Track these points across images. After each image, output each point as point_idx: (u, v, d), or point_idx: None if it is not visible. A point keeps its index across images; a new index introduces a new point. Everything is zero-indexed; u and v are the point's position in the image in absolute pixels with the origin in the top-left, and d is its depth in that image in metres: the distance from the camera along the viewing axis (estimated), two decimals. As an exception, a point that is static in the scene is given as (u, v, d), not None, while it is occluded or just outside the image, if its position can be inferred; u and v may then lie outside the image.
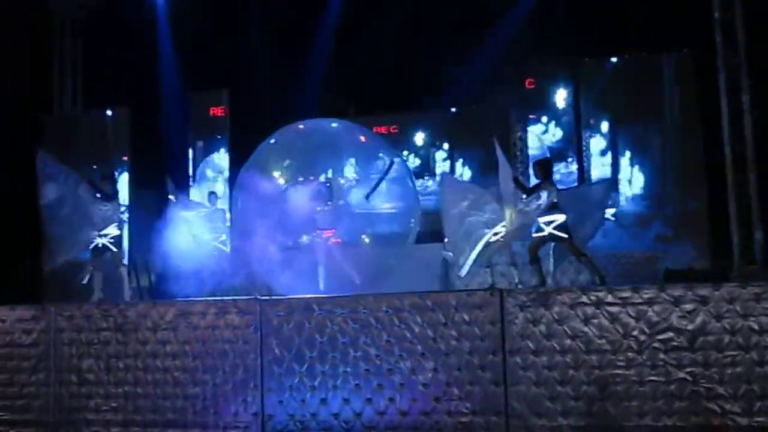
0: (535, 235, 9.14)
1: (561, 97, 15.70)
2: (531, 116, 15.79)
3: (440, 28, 15.45)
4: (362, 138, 11.59)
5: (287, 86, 15.90)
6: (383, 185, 10.86)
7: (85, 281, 10.39)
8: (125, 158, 16.12)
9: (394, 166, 10.83)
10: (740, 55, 13.06)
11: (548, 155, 14.97)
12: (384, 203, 11.01)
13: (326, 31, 16.46)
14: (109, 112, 16.19)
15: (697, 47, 14.19)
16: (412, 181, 11.40)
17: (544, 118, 15.65)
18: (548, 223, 8.97)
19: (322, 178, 10.77)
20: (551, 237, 9.05)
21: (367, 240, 10.71)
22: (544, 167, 9.26)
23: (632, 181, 16.28)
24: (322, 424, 7.37)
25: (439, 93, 15.83)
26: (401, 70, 15.36)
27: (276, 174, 10.71)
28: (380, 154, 11.19)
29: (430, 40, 15.28)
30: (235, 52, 15.77)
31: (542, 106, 15.84)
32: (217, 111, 16.52)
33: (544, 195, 8.98)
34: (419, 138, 17.06)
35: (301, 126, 11.23)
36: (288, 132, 11.16)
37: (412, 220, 11.04)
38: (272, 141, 11.14)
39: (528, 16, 15.36)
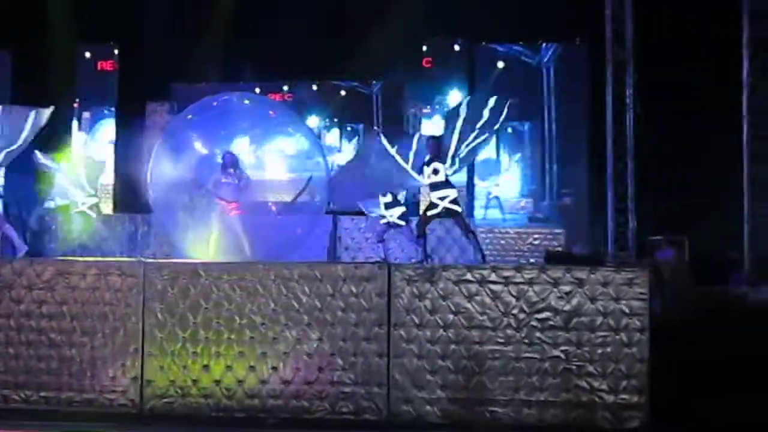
0: (430, 212, 9.33)
1: (455, 95, 15.94)
2: (425, 110, 16.06)
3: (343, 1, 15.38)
4: (271, 113, 11.75)
5: (182, 47, 15.48)
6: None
7: None
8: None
9: (313, 178, 10.94)
10: (627, 49, 13.61)
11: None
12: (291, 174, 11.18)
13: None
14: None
15: (588, 38, 14.68)
16: (322, 153, 11.50)
17: (437, 117, 15.92)
18: (442, 198, 9.18)
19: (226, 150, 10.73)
20: (446, 212, 9.24)
21: (274, 210, 10.78)
22: (438, 143, 9.41)
23: (512, 168, 16.84)
24: (203, 391, 7.29)
25: (335, 65, 15.79)
26: (300, 39, 15.22)
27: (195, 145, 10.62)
28: (289, 130, 11.29)
29: (332, 11, 15.20)
30: (128, 7, 15.21)
31: (438, 86, 16.05)
32: (105, 65, 15.91)
33: (441, 169, 9.17)
34: (313, 108, 17.03)
35: (214, 103, 11.19)
36: (202, 107, 11.07)
37: (320, 190, 11.15)
38: (189, 117, 11.05)
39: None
